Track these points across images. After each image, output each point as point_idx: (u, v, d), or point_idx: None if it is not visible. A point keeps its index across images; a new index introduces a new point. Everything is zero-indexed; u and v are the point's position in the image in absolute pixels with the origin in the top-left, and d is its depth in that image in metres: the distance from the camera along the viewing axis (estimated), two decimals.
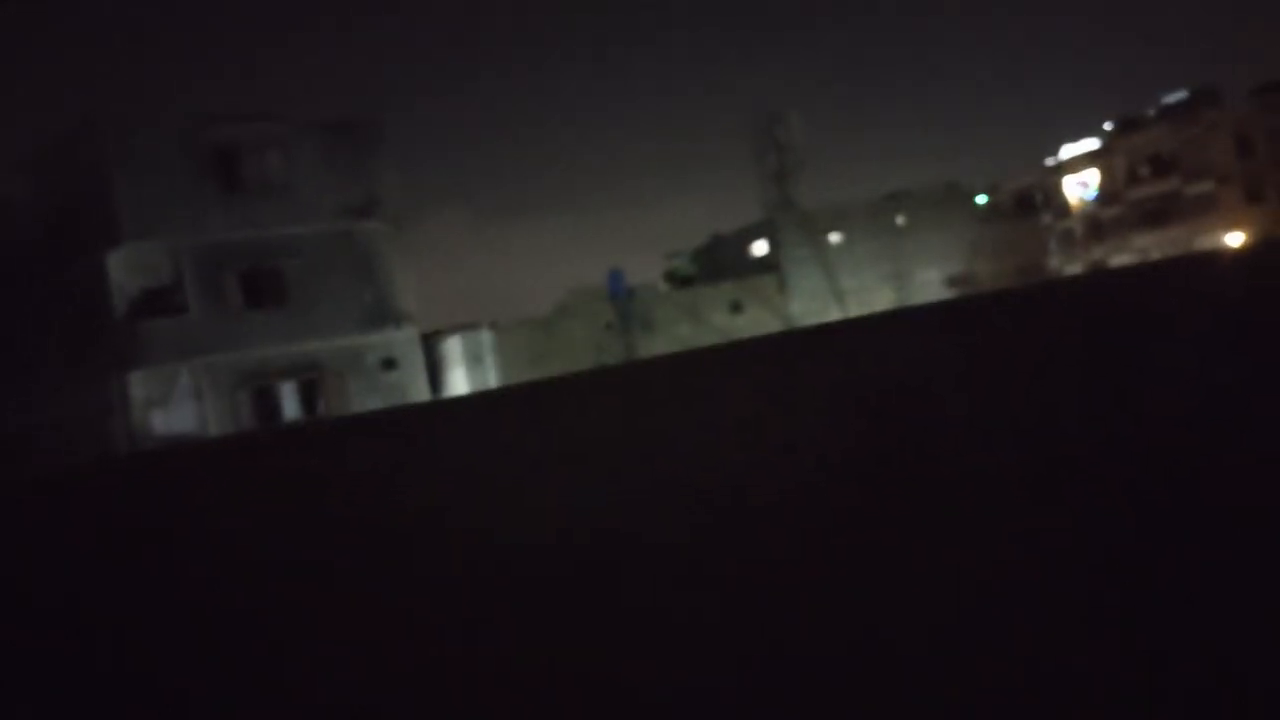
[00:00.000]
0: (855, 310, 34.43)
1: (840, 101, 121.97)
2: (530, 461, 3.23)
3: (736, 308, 33.80)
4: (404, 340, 26.20)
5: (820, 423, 3.15)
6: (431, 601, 2.29)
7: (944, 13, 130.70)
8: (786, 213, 37.69)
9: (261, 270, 24.35)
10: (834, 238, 36.79)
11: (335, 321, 25.08)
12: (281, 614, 2.33)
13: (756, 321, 32.64)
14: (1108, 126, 51.04)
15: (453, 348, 29.22)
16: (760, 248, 37.06)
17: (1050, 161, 52.74)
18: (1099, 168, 50.11)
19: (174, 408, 23.26)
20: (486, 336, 29.30)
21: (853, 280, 36.27)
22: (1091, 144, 51.05)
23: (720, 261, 37.63)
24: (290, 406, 24.34)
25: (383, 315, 25.82)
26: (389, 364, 25.73)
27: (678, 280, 36.79)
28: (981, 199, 40.68)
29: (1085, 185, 50.79)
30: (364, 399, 24.79)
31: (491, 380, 28.79)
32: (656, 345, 30.23)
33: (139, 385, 23.20)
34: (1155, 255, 43.66)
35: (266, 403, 24.11)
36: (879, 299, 35.81)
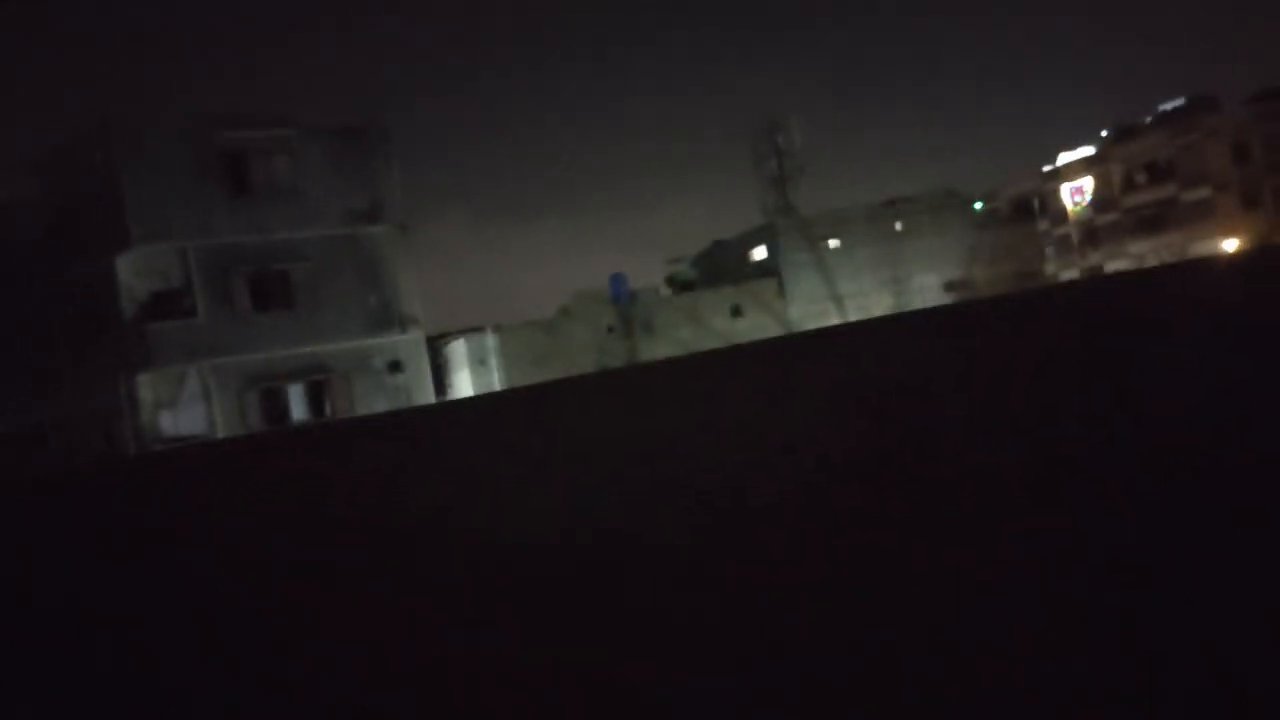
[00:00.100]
0: (854, 315, 34.50)
1: (839, 108, 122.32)
2: (533, 463, 3.24)
3: (737, 312, 33.90)
4: (409, 343, 26.35)
5: (820, 424, 3.16)
6: (434, 601, 2.29)
7: (943, 21, 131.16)
8: (786, 218, 37.80)
9: (269, 273, 24.51)
10: (833, 243, 36.88)
11: (342, 324, 25.24)
12: (284, 614, 2.33)
13: (756, 325, 32.72)
14: (1104, 134, 51.21)
15: (457, 350, 29.36)
16: (760, 253, 37.15)
17: (1047, 168, 52.90)
18: (1095, 175, 50.25)
19: (182, 409, 23.38)
20: (491, 339, 29.43)
21: (851, 285, 36.36)
22: (1088, 151, 51.22)
23: (721, 266, 37.72)
24: (298, 408, 24.50)
25: (388, 318, 25.97)
26: (395, 366, 25.89)
27: (679, 284, 36.90)
28: (979, 205, 40.79)
29: (1082, 192, 50.92)
30: (370, 401, 24.94)
31: (496, 382, 28.93)
32: (658, 348, 30.33)
33: (147, 387, 23.33)
34: (1151, 261, 43.75)
35: (274, 404, 24.27)
36: (877, 304, 35.89)
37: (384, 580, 2.41)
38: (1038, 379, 3.22)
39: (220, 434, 23.17)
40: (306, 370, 24.67)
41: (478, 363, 29.34)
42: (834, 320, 33.68)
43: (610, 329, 31.56)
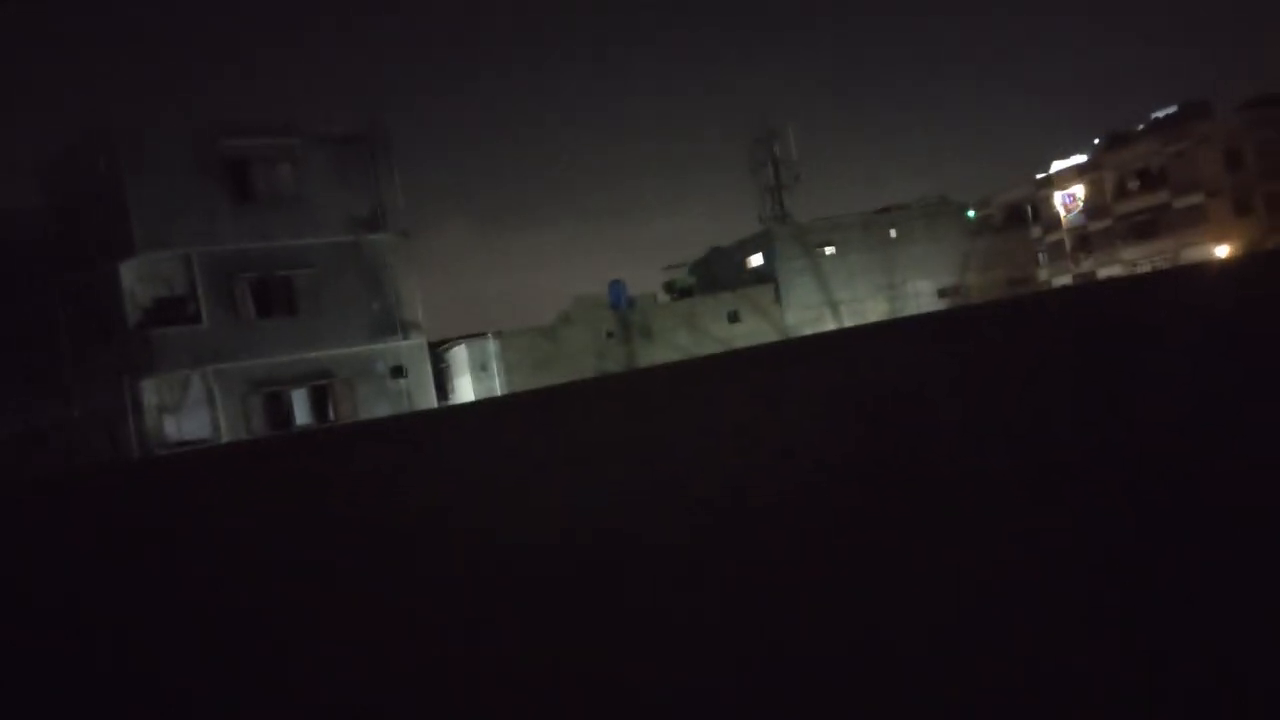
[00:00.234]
0: (849, 321, 34.59)
1: (834, 118, 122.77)
2: (534, 465, 3.24)
3: (734, 318, 34.02)
4: (412, 348, 26.47)
5: (817, 428, 3.17)
6: (434, 602, 2.29)
7: (936, 32, 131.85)
8: (782, 225, 37.94)
9: (272, 280, 24.63)
10: (829, 250, 37.02)
11: (345, 330, 25.36)
12: (284, 614, 2.33)
13: (753, 331, 32.82)
14: (1097, 141, 51.46)
15: (459, 356, 29.49)
16: (757, 259, 37.27)
17: (1041, 175, 53.12)
18: (1088, 182, 50.46)
19: (186, 414, 23.45)
20: (492, 345, 29.56)
21: (847, 291, 36.47)
22: (1081, 159, 51.46)
23: (718, 273, 37.84)
24: (301, 413, 24.58)
25: (391, 324, 26.08)
26: (397, 371, 26.00)
27: (677, 291, 37.03)
28: (972, 212, 40.96)
29: (1074, 199, 51.14)
30: (373, 406, 25.05)
31: (497, 387, 29.04)
32: (656, 353, 30.44)
33: (151, 391, 23.38)
34: (1144, 268, 43.94)
35: (278, 409, 24.35)
36: (872, 310, 36.01)
37: (384, 580, 2.40)
38: (1031, 384, 3.23)
39: (224, 438, 23.20)
40: (310, 375, 24.77)
41: (479, 368, 29.46)
42: (830, 326, 33.78)
43: (609, 334, 31.68)
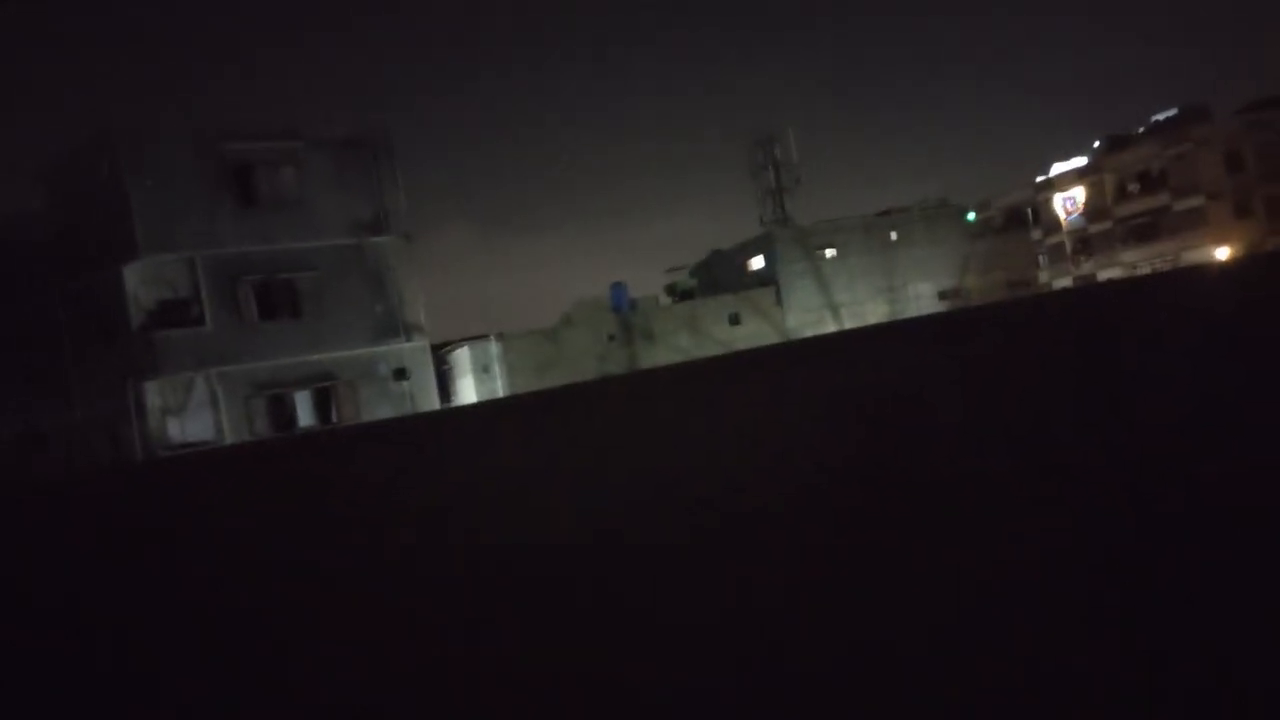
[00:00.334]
0: (850, 323, 34.61)
1: (834, 121, 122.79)
2: (535, 466, 3.24)
3: (735, 320, 34.06)
4: (414, 350, 26.51)
5: (818, 429, 3.17)
6: (434, 602, 2.29)
7: (937, 36, 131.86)
8: (783, 228, 37.97)
9: (275, 283, 24.68)
10: (829, 252, 37.05)
11: (347, 333, 25.42)
12: (284, 614, 2.33)
13: (754, 333, 32.85)
14: (1097, 144, 51.48)
15: (462, 358, 29.55)
16: (758, 262, 37.30)
17: (1041, 178, 53.13)
18: (1088, 184, 50.48)
19: (189, 416, 23.49)
20: (494, 347, 29.62)
21: (847, 294, 36.50)
22: (1081, 161, 51.47)
23: (719, 275, 37.87)
24: (304, 415, 24.64)
25: (393, 326, 26.13)
26: (400, 373, 26.04)
27: (678, 293, 37.06)
28: (973, 215, 40.98)
29: (1074, 201, 51.16)
30: (376, 407, 25.11)
31: (499, 389, 29.11)
32: (658, 356, 30.48)
33: (155, 394, 23.40)
34: (1144, 270, 43.93)
35: (281, 411, 24.41)
36: (873, 312, 36.03)
37: (384, 580, 2.40)
38: (1031, 385, 3.23)
39: (227, 440, 23.23)
40: (313, 378, 24.81)
41: (481, 370, 29.51)
42: (830, 328, 33.79)
43: (611, 337, 31.72)
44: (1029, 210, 51.60)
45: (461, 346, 29.83)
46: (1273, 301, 4.00)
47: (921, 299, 37.42)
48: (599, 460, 3.23)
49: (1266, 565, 1.77)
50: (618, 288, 32.69)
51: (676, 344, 31.15)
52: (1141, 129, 49.69)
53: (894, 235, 38.08)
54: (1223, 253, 43.65)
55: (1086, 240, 50.70)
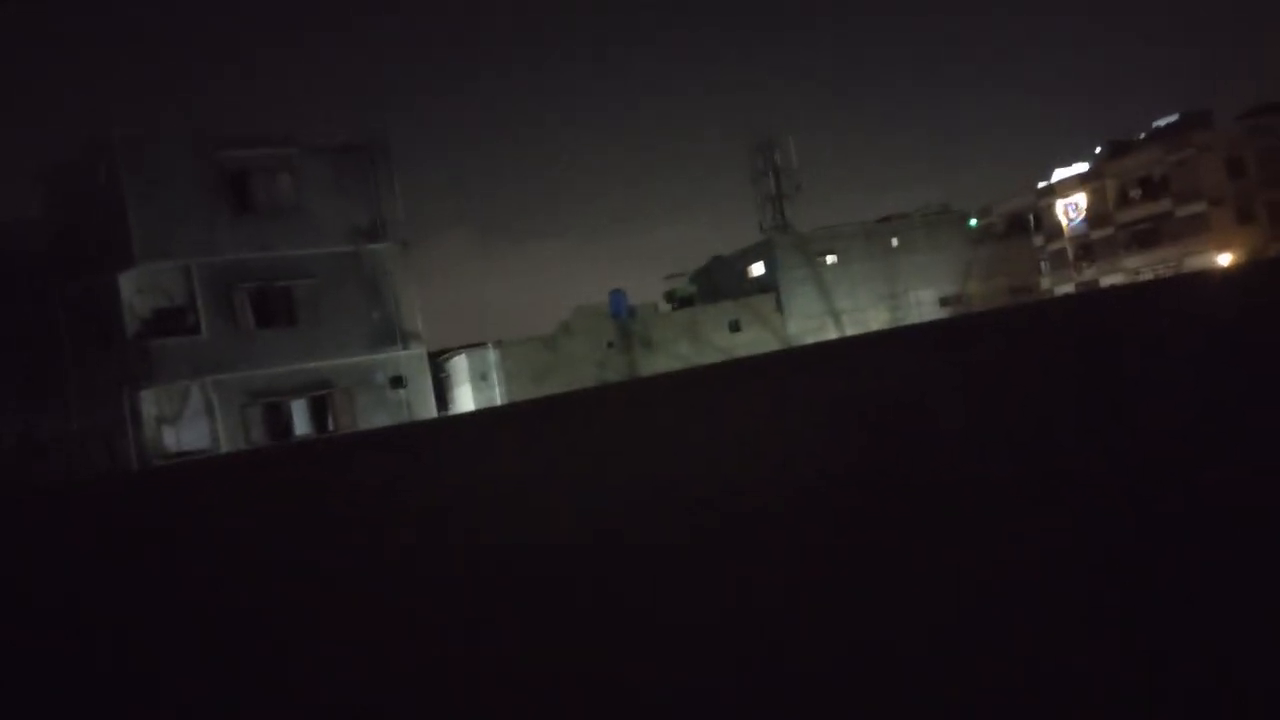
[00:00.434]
0: (851, 330, 34.59)
1: (835, 126, 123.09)
2: (533, 475, 3.24)
3: (735, 327, 34.02)
4: (411, 358, 26.48)
5: (819, 437, 3.17)
6: (434, 602, 2.29)
7: (938, 40, 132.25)
8: (783, 235, 37.98)
9: (272, 290, 24.65)
10: (830, 259, 37.04)
11: (344, 340, 25.38)
12: (284, 614, 2.33)
13: (755, 340, 32.82)
14: (1099, 149, 51.52)
15: (459, 365, 29.49)
16: (758, 269, 37.29)
17: (1042, 184, 53.17)
18: (1090, 190, 50.51)
19: (185, 424, 23.44)
20: (492, 354, 29.56)
21: (848, 300, 36.48)
22: (1083, 167, 51.52)
23: (719, 282, 37.85)
24: (301, 423, 24.56)
25: (390, 334, 26.09)
26: (397, 381, 25.99)
27: (678, 300, 37.02)
28: (974, 221, 40.98)
29: (1076, 207, 51.19)
30: (372, 415, 25.04)
31: (497, 397, 29.04)
32: (657, 363, 30.43)
33: (150, 402, 23.35)
34: (1146, 276, 43.91)
35: (277, 419, 24.35)
36: (874, 319, 36.00)
37: (384, 580, 2.40)
38: (1033, 392, 3.23)
39: (223, 449, 23.19)
40: (309, 385, 24.78)
41: (479, 378, 29.45)
42: (832, 335, 33.77)
43: (610, 344, 31.67)
44: (1031, 216, 51.61)
45: (459, 354, 29.78)
46: (1275, 307, 4.00)
47: (923, 305, 37.41)
48: (599, 465, 3.23)
49: (1266, 566, 1.76)
50: (617, 294, 32.67)
51: (676, 351, 31.14)
52: (1143, 134, 49.74)
53: (895, 241, 38.09)
54: (1225, 258, 43.62)
55: (1089, 246, 50.71)
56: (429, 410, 26.45)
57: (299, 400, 24.69)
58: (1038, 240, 49.39)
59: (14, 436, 24.91)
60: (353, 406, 25.13)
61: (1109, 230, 49.46)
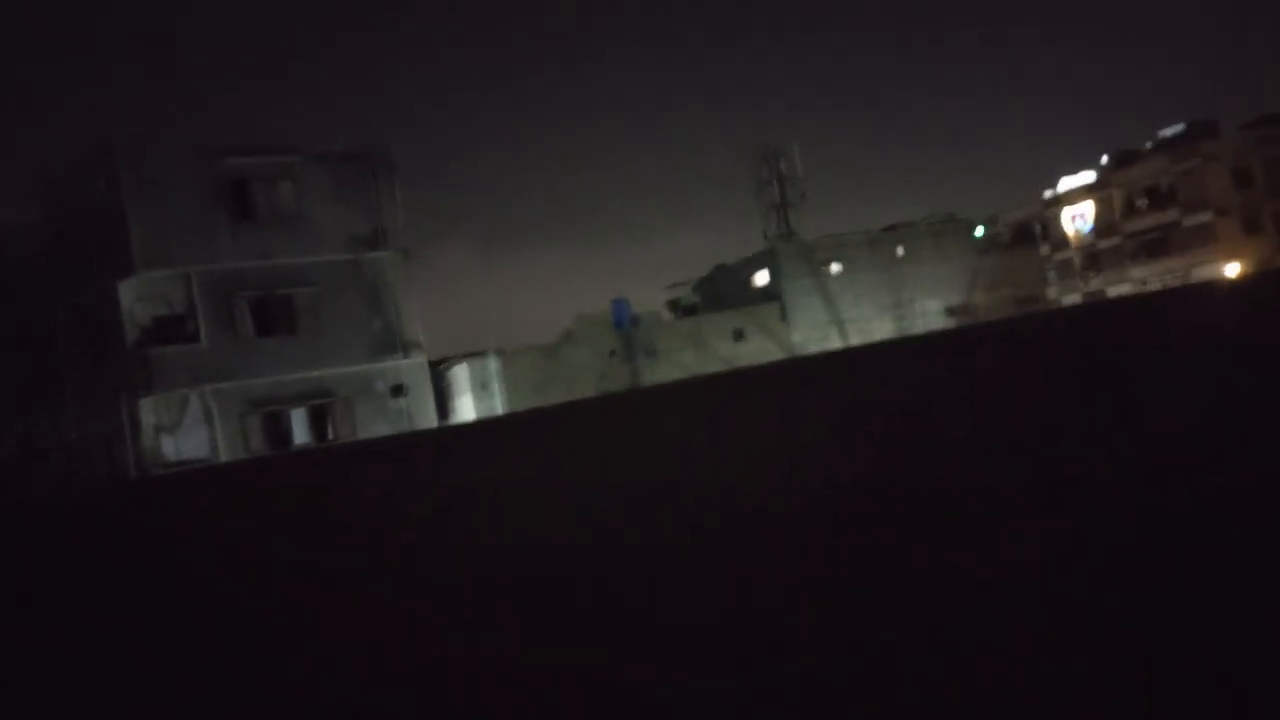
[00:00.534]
0: (856, 339, 34.53)
1: (841, 134, 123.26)
2: (534, 483, 3.23)
3: (739, 336, 33.95)
4: (412, 367, 26.46)
5: (825, 447, 3.16)
6: (434, 602, 2.29)
7: (945, 49, 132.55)
8: (788, 243, 37.97)
9: (272, 299, 24.66)
10: (835, 268, 37.00)
11: (344, 349, 25.36)
12: (284, 614, 2.33)
13: (759, 350, 32.76)
14: (1105, 159, 51.49)
15: (460, 375, 29.46)
16: (762, 278, 37.25)
17: (1049, 194, 53.14)
18: (1096, 200, 50.47)
19: (184, 433, 23.42)
20: (493, 363, 29.53)
21: (853, 310, 36.41)
22: (1089, 177, 51.48)
23: (723, 291, 37.81)
24: (300, 432, 24.53)
25: (391, 343, 26.08)
26: (397, 390, 25.96)
27: (681, 309, 36.98)
28: (980, 230, 40.93)
29: (1082, 217, 51.13)
30: (373, 425, 25.00)
31: (498, 406, 28.99)
32: (660, 372, 30.37)
33: (149, 411, 23.37)
34: (1153, 286, 43.80)
35: (276, 428, 24.33)
36: (879, 328, 35.92)
37: (384, 580, 2.40)
38: (1039, 402, 3.23)
39: (222, 458, 23.18)
40: (309, 394, 24.78)
41: (480, 387, 29.41)
42: (836, 344, 33.71)
43: (612, 353, 31.62)
44: (1037, 226, 51.56)
45: (460, 363, 29.74)
46: None
47: (928, 315, 37.35)
48: (600, 469, 3.23)
49: (1266, 566, 1.76)
50: (619, 303, 32.63)
51: (679, 360, 31.08)
52: (1149, 144, 49.71)
53: (900, 251, 38.06)
54: (1233, 268, 43.49)
55: (1095, 256, 50.62)
56: (430, 419, 26.41)
57: (299, 409, 24.67)
58: (1044, 250, 49.33)
59: (13, 442, 24.95)
60: (353, 415, 25.10)
61: (1116, 240, 49.38)
